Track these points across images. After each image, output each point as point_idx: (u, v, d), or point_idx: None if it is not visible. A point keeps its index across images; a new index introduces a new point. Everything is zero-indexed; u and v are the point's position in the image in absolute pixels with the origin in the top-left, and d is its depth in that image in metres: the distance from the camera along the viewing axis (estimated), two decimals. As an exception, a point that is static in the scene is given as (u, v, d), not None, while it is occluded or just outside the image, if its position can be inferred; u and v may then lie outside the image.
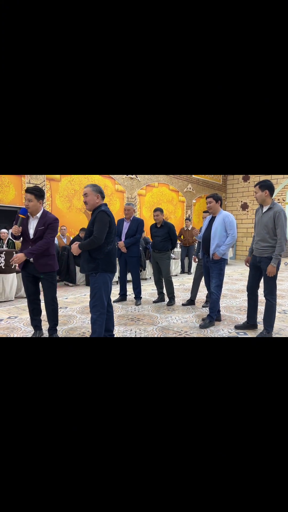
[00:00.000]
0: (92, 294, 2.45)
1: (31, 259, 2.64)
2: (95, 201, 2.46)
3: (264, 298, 2.96)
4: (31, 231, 2.66)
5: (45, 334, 2.97)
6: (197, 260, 4.30)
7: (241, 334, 3.13)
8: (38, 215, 2.68)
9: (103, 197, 2.51)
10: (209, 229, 3.30)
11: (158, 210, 4.31)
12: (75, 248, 2.42)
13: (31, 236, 2.66)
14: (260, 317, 3.26)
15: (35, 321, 2.89)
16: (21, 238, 2.75)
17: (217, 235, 3.21)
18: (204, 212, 4.35)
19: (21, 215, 2.59)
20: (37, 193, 2.63)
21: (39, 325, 2.91)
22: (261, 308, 3.33)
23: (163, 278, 4.37)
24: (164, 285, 4.39)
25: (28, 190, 2.62)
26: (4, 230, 5.56)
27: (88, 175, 7.83)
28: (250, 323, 3.19)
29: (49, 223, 2.64)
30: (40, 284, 2.84)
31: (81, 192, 7.69)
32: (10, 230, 2.66)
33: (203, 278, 4.14)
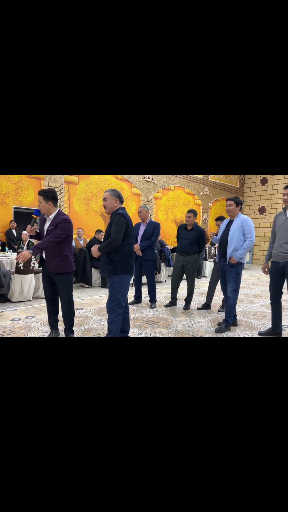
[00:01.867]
0: (110, 295, 2.52)
1: (45, 258, 2.70)
2: (113, 205, 2.54)
3: None
4: (45, 232, 2.74)
5: (62, 334, 3.02)
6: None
7: (258, 340, 3.07)
8: (51, 216, 2.72)
9: (121, 201, 2.59)
10: (227, 233, 3.27)
11: (192, 212, 4.14)
12: (95, 251, 2.52)
13: (44, 235, 2.73)
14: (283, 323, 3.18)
15: (51, 321, 2.94)
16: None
17: (234, 239, 3.17)
18: (216, 220, 4.29)
19: (34, 216, 2.69)
20: (45, 194, 2.66)
21: (55, 325, 2.96)
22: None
23: (187, 282, 4.27)
24: (188, 288, 4.29)
25: (39, 193, 2.69)
26: (25, 232, 5.70)
27: (105, 179, 7.92)
28: (276, 330, 3.10)
29: (57, 223, 2.67)
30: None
31: (98, 195, 7.81)
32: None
33: (219, 282, 4.10)
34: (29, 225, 2.69)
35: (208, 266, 7.81)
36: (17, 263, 4.39)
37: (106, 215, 7.90)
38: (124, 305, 2.55)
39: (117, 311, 2.48)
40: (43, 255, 2.77)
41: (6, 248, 5.63)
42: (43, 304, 3.15)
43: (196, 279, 4.20)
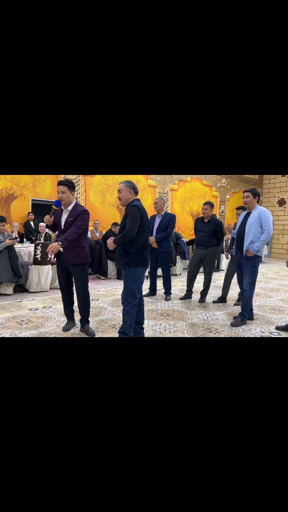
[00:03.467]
0: (125, 287, 2.53)
1: (62, 250, 2.74)
2: (128, 197, 2.53)
3: None
4: (62, 223, 2.78)
5: (78, 324, 3.08)
6: (229, 256, 4.19)
7: (275, 334, 3.02)
8: (70, 207, 2.77)
9: (136, 193, 2.58)
10: (244, 225, 3.20)
11: (208, 204, 4.08)
12: (110, 243, 2.52)
13: (62, 227, 2.77)
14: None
15: (67, 311, 3.00)
16: (57, 231, 2.88)
17: (251, 231, 3.10)
18: (237, 208, 4.20)
19: (54, 206, 2.71)
20: (69, 184, 2.73)
21: (71, 315, 3.02)
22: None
23: (204, 275, 4.23)
24: (204, 281, 4.26)
25: (60, 183, 2.72)
26: (42, 224, 5.80)
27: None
28: None
29: (77, 214, 2.72)
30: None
31: (114, 188, 7.82)
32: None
33: (235, 275, 4.05)
34: (47, 215, 2.71)
35: (225, 259, 7.70)
36: (35, 255, 4.48)
37: (122, 207, 7.91)
38: (139, 297, 2.56)
39: (132, 302, 2.49)
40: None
41: (25, 240, 5.75)
42: (59, 294, 3.21)
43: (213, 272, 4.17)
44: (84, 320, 2.90)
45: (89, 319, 2.98)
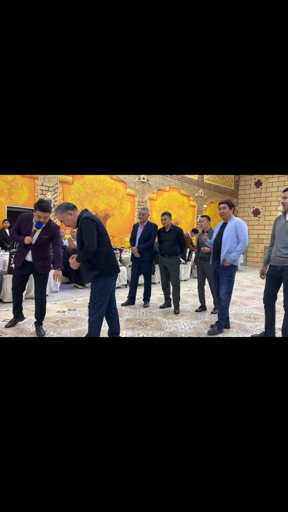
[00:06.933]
0: (92, 298, 2.43)
1: (30, 260, 3.01)
2: (71, 218, 2.41)
3: (283, 308, 2.85)
4: (35, 238, 2.96)
5: (30, 327, 3.00)
6: (195, 267, 4.40)
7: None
8: (44, 224, 2.97)
9: (74, 207, 2.44)
10: (221, 235, 3.27)
11: (166, 214, 4.27)
12: (73, 263, 2.39)
13: (33, 242, 2.96)
14: (277, 327, 3.19)
15: (17, 310, 3.28)
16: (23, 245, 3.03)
17: (228, 241, 3.18)
18: (201, 216, 4.42)
19: (36, 229, 2.91)
20: (50, 209, 2.92)
21: (18, 315, 3.30)
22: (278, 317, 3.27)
23: (170, 284, 4.34)
24: (171, 290, 4.35)
25: (43, 209, 2.83)
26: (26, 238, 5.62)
27: (100, 179, 7.89)
28: (269, 334, 3.08)
29: (53, 233, 3.04)
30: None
31: (93, 195, 7.78)
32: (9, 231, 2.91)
33: (206, 283, 4.22)
34: (28, 237, 2.91)
35: (185, 268, 7.51)
36: (10, 264, 4.34)
37: (100, 215, 7.88)
38: (105, 307, 2.47)
39: (98, 313, 2.41)
40: (28, 257, 3.00)
41: (-1, 248, 5.57)
42: (33, 304, 3.14)
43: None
44: (39, 322, 3.13)
45: (43, 322, 3.19)
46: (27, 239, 2.88)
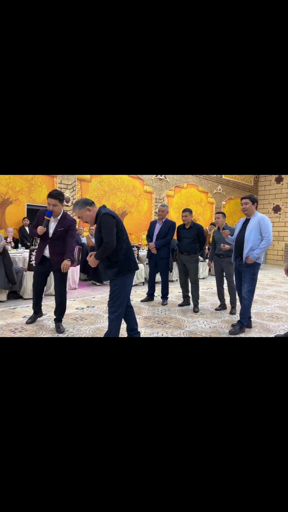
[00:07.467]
0: (111, 295, 2.40)
1: (48, 256, 3.00)
2: (90, 214, 2.36)
3: None
4: (51, 231, 2.97)
5: (50, 324, 3.00)
6: (211, 265, 4.29)
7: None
8: (59, 217, 2.98)
9: (92, 203, 2.39)
10: (243, 232, 3.16)
11: (187, 211, 4.18)
12: (92, 260, 2.35)
13: (50, 235, 2.96)
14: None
15: (37, 307, 3.30)
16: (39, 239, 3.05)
17: (251, 238, 3.07)
18: (211, 224, 4.29)
19: (47, 217, 2.91)
20: (61, 198, 2.93)
21: (38, 311, 3.32)
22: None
23: (189, 281, 4.25)
24: (189, 288, 4.27)
25: (52, 196, 2.87)
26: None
27: (118, 177, 7.88)
28: None
29: (68, 225, 2.98)
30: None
31: (111, 193, 7.78)
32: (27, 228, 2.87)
33: (225, 280, 4.12)
34: (41, 226, 2.91)
35: (203, 266, 7.42)
36: (30, 261, 4.40)
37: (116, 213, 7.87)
38: (125, 305, 2.44)
39: (118, 311, 2.38)
40: (46, 252, 3.01)
41: (19, 245, 5.66)
42: (53, 301, 3.16)
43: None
44: (58, 319, 3.12)
45: (62, 319, 3.19)
46: (40, 229, 2.90)
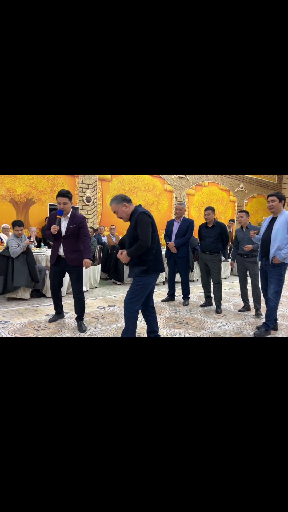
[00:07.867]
0: (132, 291, 2.38)
1: (63, 255, 3.05)
2: (126, 211, 2.38)
3: None
4: (63, 229, 3.04)
5: (72, 322, 3.00)
6: (234, 265, 4.16)
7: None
8: (69, 215, 3.06)
9: (130, 200, 2.41)
10: (270, 230, 3.04)
11: (210, 209, 4.06)
12: (124, 257, 2.37)
13: (63, 233, 3.03)
14: None
15: (59, 308, 3.36)
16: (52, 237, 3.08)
17: (278, 237, 2.95)
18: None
19: (58, 216, 2.99)
20: (70, 196, 3.03)
21: (60, 310, 3.39)
22: None
23: (212, 281, 4.16)
24: (212, 289, 4.17)
25: (61, 195, 2.96)
26: (33, 229, 5.79)
27: (138, 176, 7.87)
28: None
29: (80, 223, 3.04)
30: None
31: (131, 192, 7.78)
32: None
33: (249, 279, 3.98)
34: (54, 225, 2.99)
35: (225, 266, 7.26)
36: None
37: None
38: (141, 303, 2.41)
39: (135, 308, 2.37)
40: (60, 251, 3.05)
41: (42, 244, 5.77)
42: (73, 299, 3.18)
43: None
44: (79, 317, 3.14)
45: (84, 316, 3.22)
46: (54, 227, 2.97)
